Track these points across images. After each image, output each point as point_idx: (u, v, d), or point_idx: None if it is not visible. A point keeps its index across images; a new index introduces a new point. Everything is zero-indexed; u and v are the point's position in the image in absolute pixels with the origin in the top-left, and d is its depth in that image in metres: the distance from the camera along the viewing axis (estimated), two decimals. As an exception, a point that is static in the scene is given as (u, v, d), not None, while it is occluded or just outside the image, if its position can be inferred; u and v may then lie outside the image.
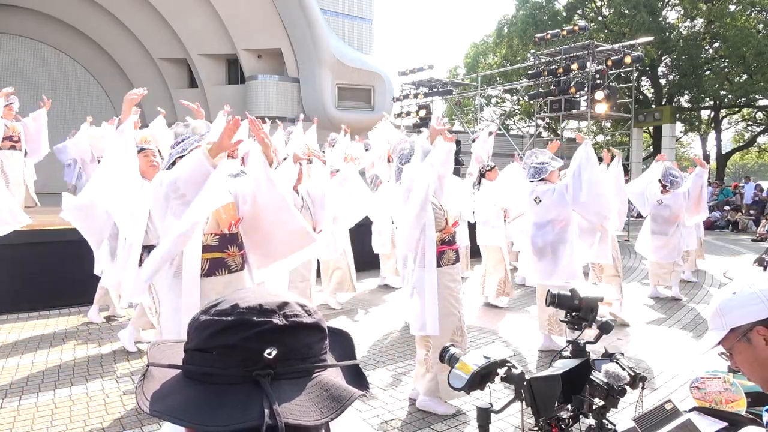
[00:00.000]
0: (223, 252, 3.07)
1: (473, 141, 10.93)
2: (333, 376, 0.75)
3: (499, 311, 6.45)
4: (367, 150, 9.61)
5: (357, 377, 0.80)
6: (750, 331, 1.25)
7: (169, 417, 0.67)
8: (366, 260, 6.85)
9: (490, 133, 9.40)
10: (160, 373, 0.73)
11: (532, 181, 5.00)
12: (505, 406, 1.61)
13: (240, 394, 0.68)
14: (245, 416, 0.65)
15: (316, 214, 5.04)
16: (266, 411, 0.65)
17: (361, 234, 6.93)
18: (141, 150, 4.23)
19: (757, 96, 22.53)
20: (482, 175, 6.61)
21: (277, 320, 0.70)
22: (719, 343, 1.31)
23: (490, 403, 1.59)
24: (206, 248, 3.02)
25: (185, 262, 2.97)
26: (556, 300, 1.86)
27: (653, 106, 24.08)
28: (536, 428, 1.66)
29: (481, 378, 1.57)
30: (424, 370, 3.69)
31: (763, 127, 27.40)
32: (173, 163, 3.06)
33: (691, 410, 2.12)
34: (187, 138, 3.08)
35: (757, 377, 1.29)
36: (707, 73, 22.57)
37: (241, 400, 0.67)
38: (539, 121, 22.89)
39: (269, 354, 0.69)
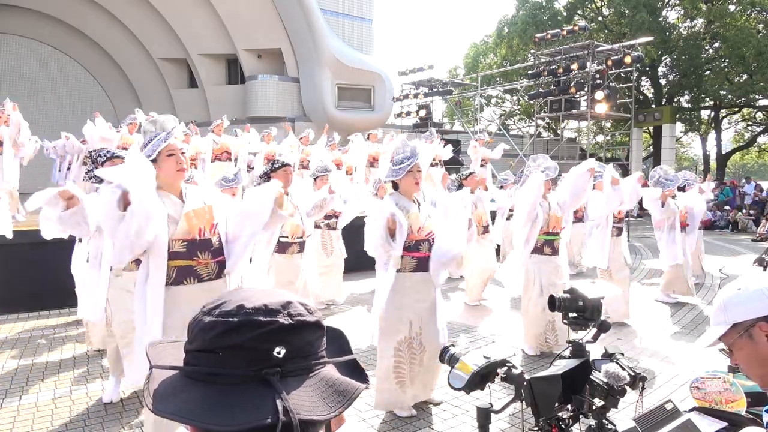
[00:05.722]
0: (191, 259, 2.76)
1: (476, 140, 10.98)
2: (333, 372, 0.76)
3: (498, 311, 6.45)
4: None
5: (356, 371, 0.81)
6: (752, 327, 1.24)
7: (177, 417, 0.67)
8: (365, 260, 6.84)
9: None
10: (160, 373, 0.73)
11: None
12: (505, 406, 1.60)
13: (249, 393, 0.68)
14: (259, 415, 0.66)
15: (304, 220, 5.20)
16: (280, 408, 0.66)
17: (360, 235, 6.93)
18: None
19: (757, 96, 22.53)
20: (461, 182, 6.42)
21: (282, 320, 0.71)
22: (720, 339, 1.31)
23: (490, 403, 1.59)
24: (173, 255, 2.71)
25: (152, 271, 2.71)
26: (561, 304, 1.83)
27: (653, 106, 24.08)
28: (536, 428, 1.66)
29: (481, 378, 1.57)
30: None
31: (763, 127, 27.40)
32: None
33: (691, 410, 2.12)
34: (155, 137, 2.76)
35: (756, 374, 1.29)
36: (707, 73, 22.58)
37: (252, 400, 0.68)
38: (539, 121, 22.89)
39: (278, 353, 0.70)
